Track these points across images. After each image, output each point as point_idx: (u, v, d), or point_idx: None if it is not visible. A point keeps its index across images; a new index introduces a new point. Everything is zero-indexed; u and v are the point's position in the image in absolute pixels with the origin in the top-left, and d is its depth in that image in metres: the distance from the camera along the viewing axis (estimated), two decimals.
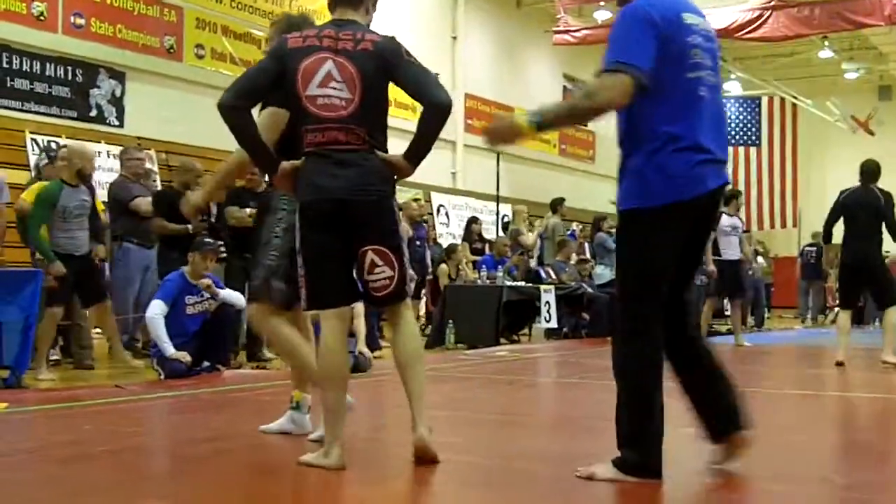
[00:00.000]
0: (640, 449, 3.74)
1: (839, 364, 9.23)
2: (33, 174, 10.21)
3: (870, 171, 9.59)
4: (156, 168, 12.36)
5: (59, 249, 7.89)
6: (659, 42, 3.60)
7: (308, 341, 4.71)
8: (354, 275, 4.11)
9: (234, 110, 3.99)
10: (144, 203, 9.40)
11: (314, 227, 4.00)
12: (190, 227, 8.87)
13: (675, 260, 3.78)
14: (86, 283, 8.14)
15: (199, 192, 4.88)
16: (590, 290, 14.14)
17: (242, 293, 8.14)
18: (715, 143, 3.76)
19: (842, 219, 9.65)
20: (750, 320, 17.95)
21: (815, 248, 20.65)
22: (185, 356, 7.65)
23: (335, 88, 3.98)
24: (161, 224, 9.08)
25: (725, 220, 12.59)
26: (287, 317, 4.65)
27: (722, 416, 4.01)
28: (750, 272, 17.83)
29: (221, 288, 8.17)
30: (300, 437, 4.78)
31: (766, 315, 19.10)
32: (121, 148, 10.87)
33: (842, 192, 9.74)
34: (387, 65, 4.01)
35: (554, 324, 12.95)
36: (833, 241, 10.14)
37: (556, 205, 15.24)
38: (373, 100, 4.01)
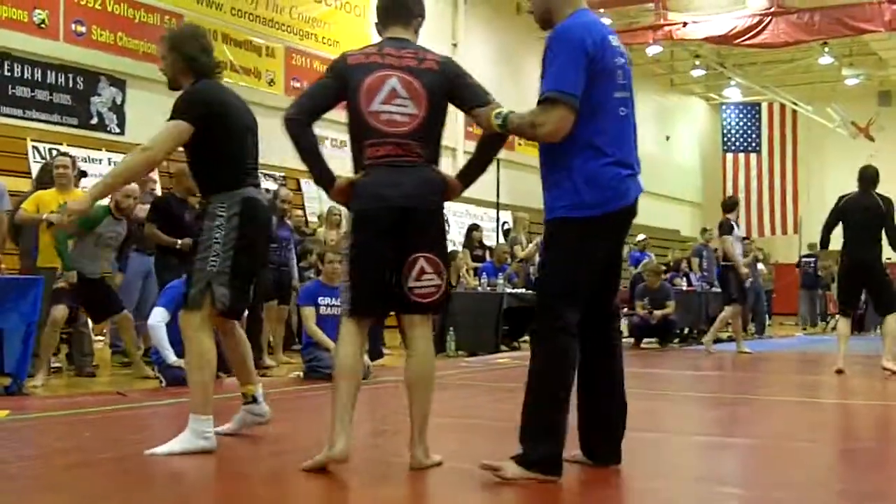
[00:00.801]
0: (548, 445, 3.83)
1: (839, 372, 9.23)
2: (34, 184, 10.19)
3: (869, 177, 9.60)
4: (156, 176, 12.35)
5: (73, 265, 8.04)
6: (588, 66, 3.78)
7: (237, 347, 4.97)
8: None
9: (298, 124, 4.14)
10: (141, 210, 9.41)
11: (371, 234, 4.10)
12: (179, 242, 8.87)
13: (602, 268, 3.98)
14: (94, 301, 8.27)
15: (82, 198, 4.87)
16: None
17: None
18: (635, 159, 3.99)
19: (840, 224, 9.65)
20: (751, 327, 17.96)
21: (813, 259, 20.67)
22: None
23: (399, 105, 4.13)
24: (153, 232, 9.06)
25: (736, 229, 12.67)
26: (217, 322, 4.77)
27: (596, 434, 4.15)
28: (750, 279, 17.87)
29: None
30: (300, 445, 4.79)
31: (766, 322, 19.09)
32: (122, 155, 10.86)
33: (841, 198, 9.73)
34: (450, 84, 4.19)
35: None
36: (829, 248, 10.14)
37: None
38: (435, 116, 4.17)
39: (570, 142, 3.85)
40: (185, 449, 4.48)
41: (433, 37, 19.44)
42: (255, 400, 5.01)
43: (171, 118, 4.70)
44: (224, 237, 4.56)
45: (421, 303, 4.17)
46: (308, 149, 4.15)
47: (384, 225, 4.07)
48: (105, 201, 7.86)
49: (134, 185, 8.25)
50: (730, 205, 13.34)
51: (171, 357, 7.61)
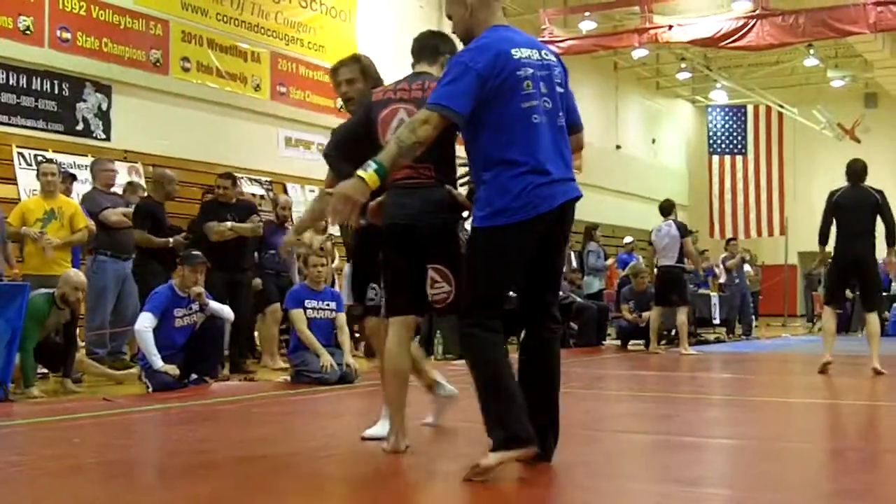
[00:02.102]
0: (506, 425, 3.91)
1: (825, 367, 9.21)
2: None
3: (856, 170, 9.59)
4: (143, 181, 12.34)
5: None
6: (480, 84, 3.96)
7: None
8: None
9: (329, 157, 4.99)
10: (114, 214, 9.39)
11: (390, 246, 4.63)
12: (171, 241, 8.89)
13: (521, 271, 4.10)
14: (45, 356, 7.88)
15: (293, 231, 5.68)
16: (579, 299, 14.19)
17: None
18: (554, 164, 4.06)
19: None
20: (738, 328, 18.01)
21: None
22: (174, 369, 7.65)
23: None
24: (145, 237, 9.08)
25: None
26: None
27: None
28: (737, 280, 17.91)
29: (211, 299, 8.17)
30: (285, 446, 4.78)
31: (753, 323, 19.13)
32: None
33: (833, 193, 9.66)
34: None
35: None
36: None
37: None
38: (439, 139, 4.30)
39: (483, 158, 4.07)
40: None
41: None
42: (437, 384, 5.43)
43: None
44: None
45: (437, 308, 4.61)
46: (344, 178, 4.38)
47: (394, 240, 4.58)
48: (46, 291, 7.73)
49: (80, 278, 7.89)
50: (669, 207, 13.37)
51: (157, 362, 7.60)
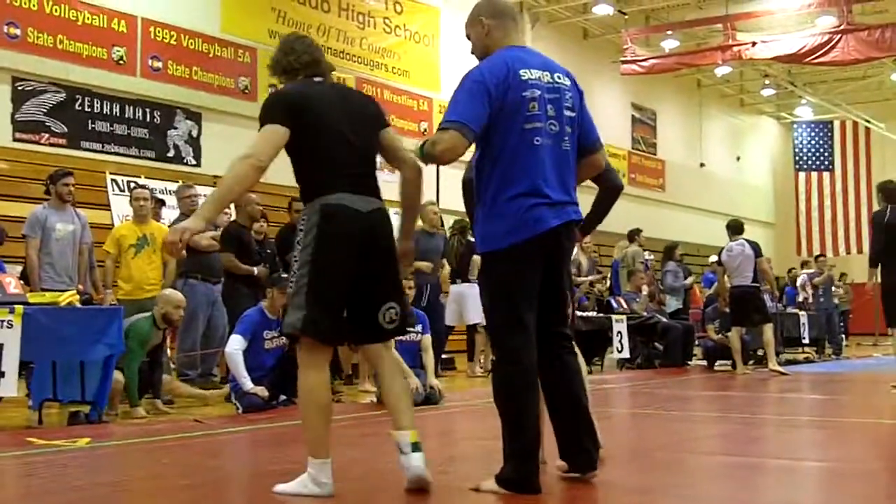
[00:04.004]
0: (512, 465, 3.97)
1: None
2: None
3: (891, 190, 9.76)
4: (231, 205, 12.58)
5: None
6: (490, 102, 3.95)
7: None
8: None
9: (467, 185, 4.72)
10: (203, 239, 9.57)
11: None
12: (256, 270, 9.03)
13: (532, 293, 4.05)
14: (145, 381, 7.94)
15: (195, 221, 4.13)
16: (663, 319, 14.07)
17: None
18: (552, 187, 4.03)
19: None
20: (828, 348, 17.65)
21: None
22: (263, 391, 7.77)
23: None
24: (232, 262, 9.24)
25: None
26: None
27: (565, 444, 4.21)
28: (821, 299, 17.51)
29: None
30: (374, 467, 4.83)
31: (843, 343, 18.71)
32: (199, 188, 11.09)
33: (879, 214, 9.80)
34: None
35: (626, 354, 12.91)
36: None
37: (634, 235, 15.27)
38: None
39: (484, 178, 4.07)
40: (298, 492, 4.10)
41: None
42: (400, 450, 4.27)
43: (261, 125, 4.22)
44: (300, 253, 4.03)
45: None
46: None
47: None
48: (147, 314, 7.87)
49: (178, 296, 8.03)
50: (740, 226, 13.18)
51: (247, 384, 7.72)
